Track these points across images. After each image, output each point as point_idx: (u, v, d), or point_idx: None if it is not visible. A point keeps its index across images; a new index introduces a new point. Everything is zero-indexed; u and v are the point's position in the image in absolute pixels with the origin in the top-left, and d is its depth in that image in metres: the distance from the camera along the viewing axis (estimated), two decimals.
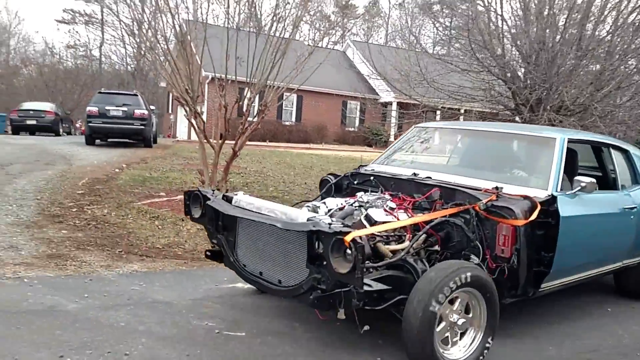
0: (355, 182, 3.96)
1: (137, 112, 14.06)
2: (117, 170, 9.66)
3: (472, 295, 2.93)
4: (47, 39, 57.54)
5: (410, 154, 4.42)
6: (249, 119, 6.91)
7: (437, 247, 3.24)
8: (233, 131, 6.85)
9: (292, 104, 23.85)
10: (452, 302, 2.88)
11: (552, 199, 3.30)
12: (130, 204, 6.64)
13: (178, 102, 6.70)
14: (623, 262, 4.21)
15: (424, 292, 2.71)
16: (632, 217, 4.07)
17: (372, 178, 3.84)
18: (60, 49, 38.18)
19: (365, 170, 4.09)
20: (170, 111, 26.94)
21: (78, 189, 7.48)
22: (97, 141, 14.42)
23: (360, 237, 2.57)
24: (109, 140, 14.68)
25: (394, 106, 17.13)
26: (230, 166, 7.00)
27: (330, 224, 2.71)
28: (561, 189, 3.44)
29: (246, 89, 6.59)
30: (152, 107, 16.48)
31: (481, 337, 2.97)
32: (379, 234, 3.06)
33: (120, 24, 34.32)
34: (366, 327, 2.92)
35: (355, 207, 3.31)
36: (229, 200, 3.41)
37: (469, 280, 2.83)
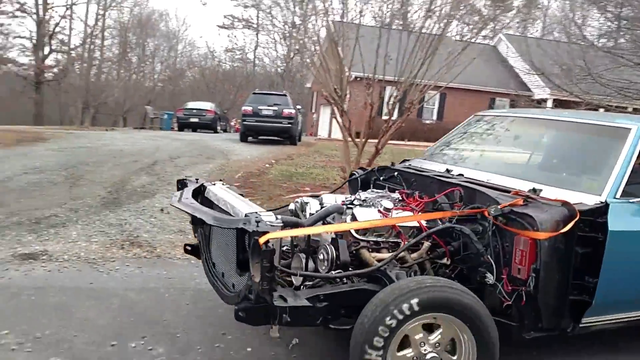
0: (382, 178, 3.58)
1: (286, 111, 14.87)
2: (267, 165, 10.31)
3: (455, 325, 2.32)
4: (209, 43, 63.43)
5: (460, 147, 3.85)
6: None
7: (446, 260, 2.73)
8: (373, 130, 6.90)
9: (434, 101, 23.29)
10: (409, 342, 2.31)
11: (603, 208, 2.55)
12: (279, 197, 7.03)
13: (327, 100, 6.92)
14: None
15: (361, 331, 2.21)
16: None
17: (396, 174, 3.46)
18: (220, 53, 41.88)
19: (398, 165, 3.67)
20: (313, 110, 28.03)
21: (235, 181, 8.12)
22: (250, 138, 15.52)
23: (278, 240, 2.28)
24: (259, 137, 15.71)
25: (549, 103, 15.84)
26: (372, 164, 7.07)
27: (261, 222, 2.29)
28: (626, 196, 2.65)
29: (390, 87, 6.59)
30: (299, 107, 17.28)
31: None
32: (363, 238, 2.72)
33: (273, 27, 36.83)
34: (294, 341, 2.68)
35: (349, 205, 2.93)
36: (203, 189, 3.18)
37: (415, 309, 2.19)
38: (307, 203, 3.02)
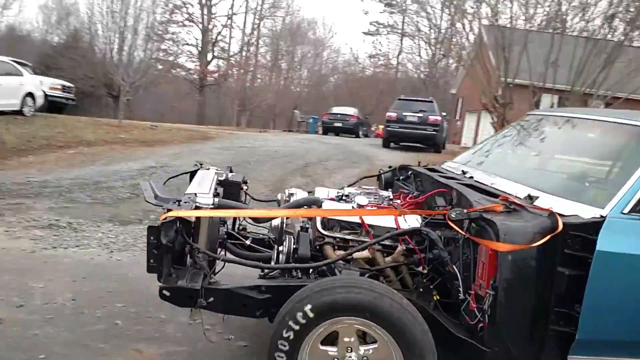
0: (400, 178, 3.51)
1: (431, 118, 14.63)
2: None
3: (380, 332, 2.07)
4: (354, 49, 65.01)
5: (493, 149, 3.54)
6: None
7: (421, 268, 2.47)
8: None
9: None
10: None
11: (597, 223, 2.11)
12: None
13: (485, 109, 6.68)
14: None
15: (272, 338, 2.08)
16: None
17: (409, 173, 3.39)
18: (363, 59, 42.65)
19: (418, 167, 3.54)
20: (457, 117, 27.21)
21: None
22: (392, 144, 15.56)
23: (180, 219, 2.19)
24: (401, 144, 15.67)
25: None
26: None
27: (186, 203, 2.28)
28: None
29: (550, 95, 6.15)
30: (444, 114, 16.91)
31: None
32: (328, 234, 2.57)
33: (419, 32, 36.55)
34: (197, 320, 2.39)
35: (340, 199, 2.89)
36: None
37: (310, 316, 2.00)
38: (292, 194, 3.02)
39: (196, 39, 33.62)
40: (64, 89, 20.07)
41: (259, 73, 34.83)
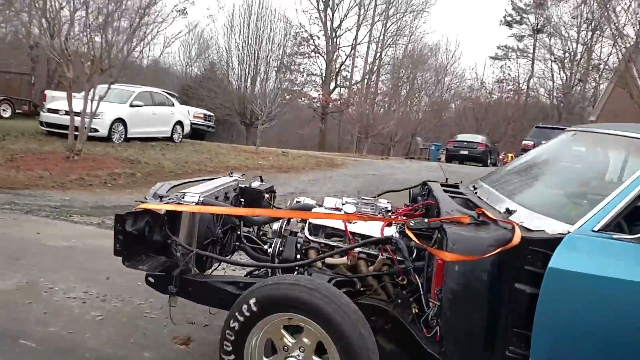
0: (423, 193, 3.32)
1: None
2: None
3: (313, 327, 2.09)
4: (479, 74, 63.16)
5: (521, 166, 3.25)
6: None
7: (400, 279, 2.44)
8: None
9: None
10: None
11: (557, 239, 1.95)
12: None
13: None
14: None
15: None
16: None
17: (425, 187, 3.25)
18: (489, 83, 41.19)
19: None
20: None
21: None
22: None
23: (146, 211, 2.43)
24: None
25: None
26: None
27: (169, 197, 2.59)
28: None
29: None
30: None
31: None
32: (313, 239, 2.67)
33: (551, 56, 34.53)
34: (174, 305, 2.56)
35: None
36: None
37: (254, 309, 2.10)
38: (299, 201, 3.18)
39: (320, 69, 34.96)
40: (205, 117, 21.91)
41: (379, 100, 35.15)
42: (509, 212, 2.27)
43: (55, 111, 13.12)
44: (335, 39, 34.26)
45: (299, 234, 2.74)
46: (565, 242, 1.95)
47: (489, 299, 2.04)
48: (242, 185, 3.35)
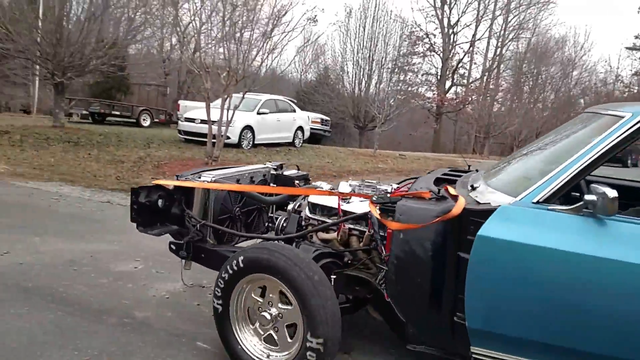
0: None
1: None
2: None
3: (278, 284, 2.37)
4: (613, 66, 57.61)
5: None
6: None
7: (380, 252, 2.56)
8: None
9: None
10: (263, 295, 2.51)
11: (491, 210, 2.07)
12: None
13: None
14: None
15: None
16: None
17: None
18: (627, 76, 37.30)
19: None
20: None
21: None
22: None
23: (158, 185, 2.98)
24: None
25: None
26: None
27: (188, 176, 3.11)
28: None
29: None
30: None
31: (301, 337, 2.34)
32: (312, 217, 2.96)
33: None
34: (188, 268, 3.08)
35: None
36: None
37: (241, 265, 2.41)
38: (318, 185, 3.38)
39: (436, 68, 34.12)
40: (322, 122, 22.41)
41: (499, 98, 33.42)
42: (473, 188, 2.41)
43: (192, 120, 14.19)
44: (452, 36, 33.25)
45: (303, 213, 3.04)
46: (497, 212, 2.08)
47: (433, 265, 2.21)
48: (274, 172, 3.61)
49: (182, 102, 21.22)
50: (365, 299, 2.69)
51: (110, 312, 3.24)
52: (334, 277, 2.52)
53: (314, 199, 3.00)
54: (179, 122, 15.33)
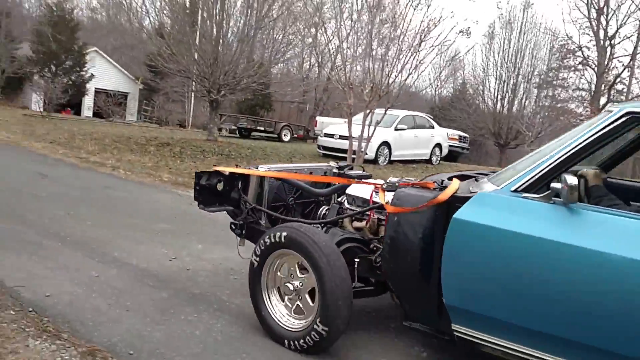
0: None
1: None
2: None
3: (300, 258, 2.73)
4: None
5: None
6: None
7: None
8: None
9: None
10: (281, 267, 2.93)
11: (470, 197, 2.32)
12: None
13: None
14: None
15: None
16: None
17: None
18: None
19: None
20: None
21: None
22: None
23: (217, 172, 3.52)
24: None
25: None
26: None
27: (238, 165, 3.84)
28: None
29: None
30: None
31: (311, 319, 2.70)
32: (348, 207, 3.29)
33: None
34: (242, 245, 3.51)
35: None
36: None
37: (282, 240, 2.77)
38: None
39: (589, 83, 31.13)
40: (460, 139, 21.58)
41: None
42: (476, 181, 2.64)
43: (331, 135, 14.48)
44: (609, 49, 30.12)
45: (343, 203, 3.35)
46: (474, 198, 2.28)
47: (422, 246, 2.43)
48: (336, 171, 3.80)
49: (319, 119, 21.87)
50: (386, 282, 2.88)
51: None
52: (358, 260, 2.79)
53: (351, 191, 3.31)
54: (319, 137, 15.74)
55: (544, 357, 2.13)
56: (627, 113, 2.16)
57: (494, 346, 2.28)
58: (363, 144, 10.75)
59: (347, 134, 12.47)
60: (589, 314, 1.99)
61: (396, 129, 14.69)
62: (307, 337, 2.68)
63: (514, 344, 2.21)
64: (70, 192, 6.77)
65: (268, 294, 2.96)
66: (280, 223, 3.27)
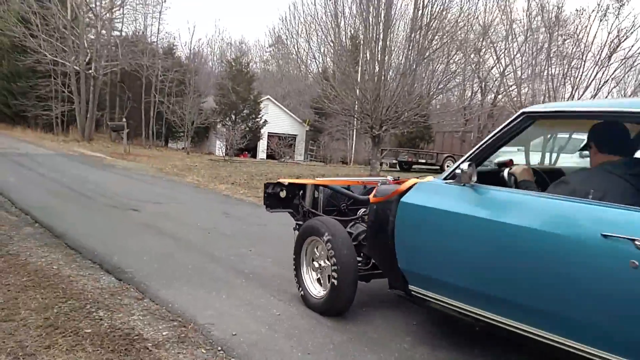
0: None
1: None
2: None
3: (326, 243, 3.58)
4: None
5: None
6: None
7: None
8: None
9: None
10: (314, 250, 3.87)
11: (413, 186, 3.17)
12: None
13: None
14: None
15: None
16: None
17: None
18: None
19: None
20: None
21: None
22: None
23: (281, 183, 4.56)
24: None
25: None
26: None
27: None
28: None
29: None
30: None
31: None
32: None
33: None
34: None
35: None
36: None
37: (305, 229, 3.91)
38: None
39: None
40: None
41: None
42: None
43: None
44: None
45: None
46: (415, 187, 3.14)
47: (386, 225, 3.20)
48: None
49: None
50: None
51: None
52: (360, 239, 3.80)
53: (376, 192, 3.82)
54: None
55: (473, 311, 2.76)
56: (523, 113, 2.74)
57: (437, 302, 2.98)
58: None
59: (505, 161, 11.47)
60: (487, 268, 2.66)
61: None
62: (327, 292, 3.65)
63: (450, 300, 2.90)
64: (251, 230, 7.19)
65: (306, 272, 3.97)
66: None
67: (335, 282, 3.50)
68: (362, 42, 14.40)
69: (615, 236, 2.11)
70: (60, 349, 3.17)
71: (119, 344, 3.25)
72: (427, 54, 13.84)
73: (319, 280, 3.87)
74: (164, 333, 3.44)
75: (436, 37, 13.69)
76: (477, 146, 2.90)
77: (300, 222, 4.36)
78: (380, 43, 13.51)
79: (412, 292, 3.13)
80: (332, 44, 14.49)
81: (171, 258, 5.32)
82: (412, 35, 13.70)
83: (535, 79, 10.14)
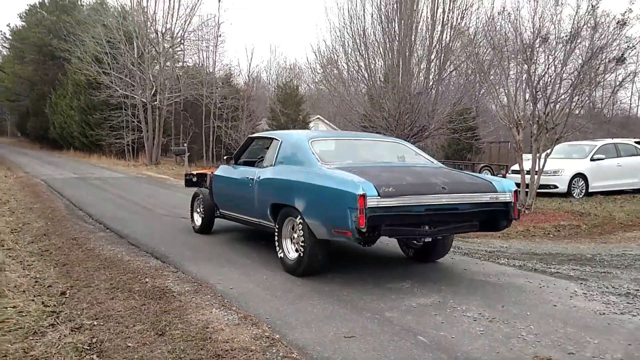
0: None
1: None
2: None
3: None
4: None
5: None
6: None
7: None
8: None
9: None
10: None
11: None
12: None
13: None
14: (258, 220, 6.53)
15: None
16: (250, 185, 6.53)
17: None
18: None
19: None
20: None
21: None
22: None
23: None
24: None
25: None
26: None
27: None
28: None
29: None
30: None
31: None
32: None
33: None
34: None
35: None
36: None
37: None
38: None
39: None
40: None
41: None
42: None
43: (517, 172, 14.47)
44: None
45: None
46: (219, 168, 7.93)
47: (211, 186, 8.18)
48: None
49: (525, 155, 21.32)
50: None
51: None
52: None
53: None
54: (507, 174, 15.78)
55: (235, 216, 7.38)
56: (249, 138, 7.65)
57: (228, 216, 7.55)
58: (535, 177, 10.81)
59: (529, 169, 12.43)
60: (238, 203, 7.17)
61: (592, 159, 13.92)
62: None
63: (230, 213, 7.49)
64: None
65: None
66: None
67: (202, 216, 8.07)
68: (390, 69, 15.79)
69: (249, 178, 6.64)
70: (118, 299, 4.94)
71: (156, 295, 4.99)
72: (444, 74, 15.12)
73: (200, 217, 8.22)
74: (186, 288, 5.16)
75: (451, 57, 14.94)
76: (236, 151, 7.64)
77: (202, 188, 8.47)
78: (401, 75, 14.96)
79: (221, 213, 7.73)
80: (365, 75, 16.18)
81: (200, 248, 7.11)
82: (430, 56, 15.05)
83: (550, 92, 11.09)
